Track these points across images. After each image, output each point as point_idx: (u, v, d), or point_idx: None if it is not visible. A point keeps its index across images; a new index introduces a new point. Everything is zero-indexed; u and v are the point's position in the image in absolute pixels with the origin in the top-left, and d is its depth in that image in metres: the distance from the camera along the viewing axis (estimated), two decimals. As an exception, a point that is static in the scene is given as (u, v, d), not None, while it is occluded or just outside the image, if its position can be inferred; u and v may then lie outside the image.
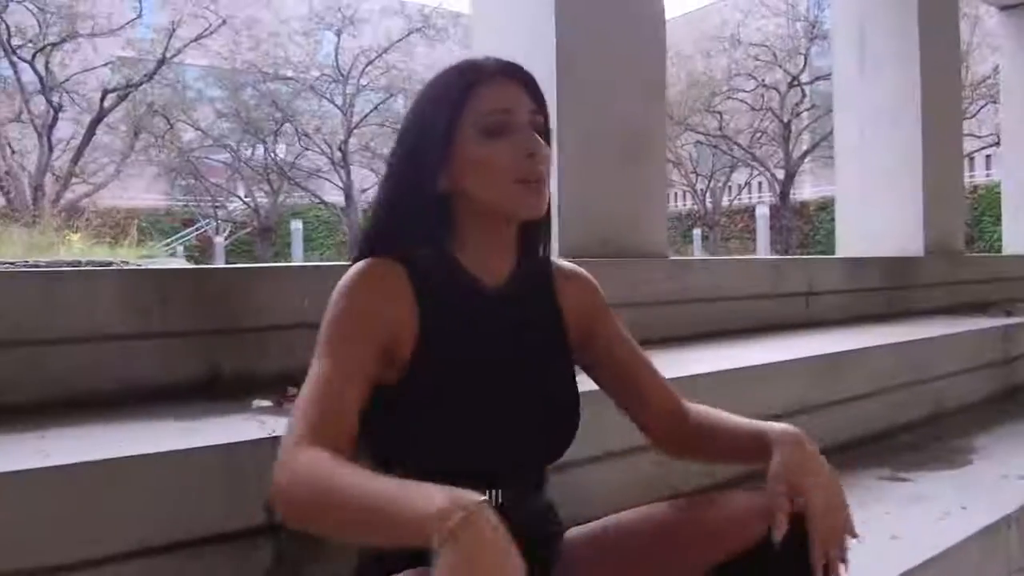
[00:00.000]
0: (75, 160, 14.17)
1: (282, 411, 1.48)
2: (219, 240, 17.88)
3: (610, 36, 3.01)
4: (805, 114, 20.70)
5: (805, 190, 23.81)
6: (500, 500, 1.03)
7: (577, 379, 1.18)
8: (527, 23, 3.02)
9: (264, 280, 1.93)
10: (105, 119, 14.20)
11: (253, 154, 19.43)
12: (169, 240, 17.62)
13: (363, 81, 17.42)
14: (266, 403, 1.56)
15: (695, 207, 24.24)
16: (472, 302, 1.09)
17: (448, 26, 18.20)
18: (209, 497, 1.23)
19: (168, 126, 16.81)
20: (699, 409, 1.23)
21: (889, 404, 2.67)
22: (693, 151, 23.41)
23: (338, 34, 17.42)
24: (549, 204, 1.10)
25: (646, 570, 1.11)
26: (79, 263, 4.42)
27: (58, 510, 1.11)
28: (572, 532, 1.17)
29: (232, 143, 19.16)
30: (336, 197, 19.14)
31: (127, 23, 14.52)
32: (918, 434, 2.67)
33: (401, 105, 18.42)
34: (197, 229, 20.11)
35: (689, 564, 1.09)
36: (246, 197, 20.53)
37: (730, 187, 24.12)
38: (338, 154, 17.82)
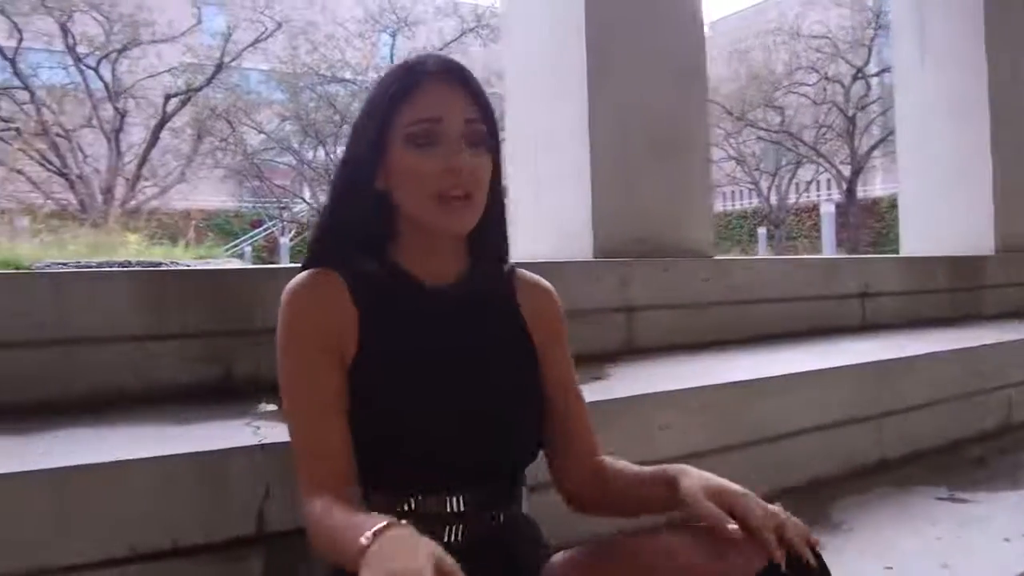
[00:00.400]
0: (141, 163, 14.59)
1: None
2: (284, 241, 18.20)
3: (643, 23, 2.89)
4: (872, 107, 20.04)
5: (876, 186, 23.09)
6: (462, 506, 1.00)
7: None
8: (557, 15, 2.93)
9: (279, 280, 1.89)
10: (169, 123, 14.58)
11: (315, 156, 19.73)
12: (237, 242, 18.02)
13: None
14: (271, 407, 1.52)
15: (761, 205, 23.73)
16: (413, 302, 1.06)
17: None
18: (199, 503, 1.19)
19: (231, 129, 17.17)
20: (614, 464, 1.15)
21: (950, 415, 2.49)
22: (756, 148, 22.93)
23: (393, 36, 17.57)
24: (498, 210, 1.09)
25: None
26: (128, 263, 4.53)
27: (50, 512, 1.10)
28: (558, 556, 1.07)
29: (295, 145, 19.49)
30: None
31: (187, 30, 14.88)
32: (982, 449, 2.47)
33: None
34: (265, 230, 20.54)
35: None
36: (310, 198, 20.86)
37: (797, 184, 23.53)
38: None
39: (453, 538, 1.00)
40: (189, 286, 1.81)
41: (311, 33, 16.84)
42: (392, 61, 17.87)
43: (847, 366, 2.30)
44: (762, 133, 21.28)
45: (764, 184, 22.91)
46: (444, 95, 1.01)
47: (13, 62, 13.63)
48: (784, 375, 2.13)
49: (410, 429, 1.00)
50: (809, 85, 20.63)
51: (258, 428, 1.33)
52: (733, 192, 27.99)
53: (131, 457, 1.16)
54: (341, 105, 17.68)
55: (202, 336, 1.76)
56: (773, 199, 22.75)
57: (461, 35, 17.97)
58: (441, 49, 17.76)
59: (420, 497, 1.00)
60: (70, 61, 14.38)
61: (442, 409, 1.01)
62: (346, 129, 18.20)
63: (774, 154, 22.30)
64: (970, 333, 3.04)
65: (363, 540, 0.78)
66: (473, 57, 17.63)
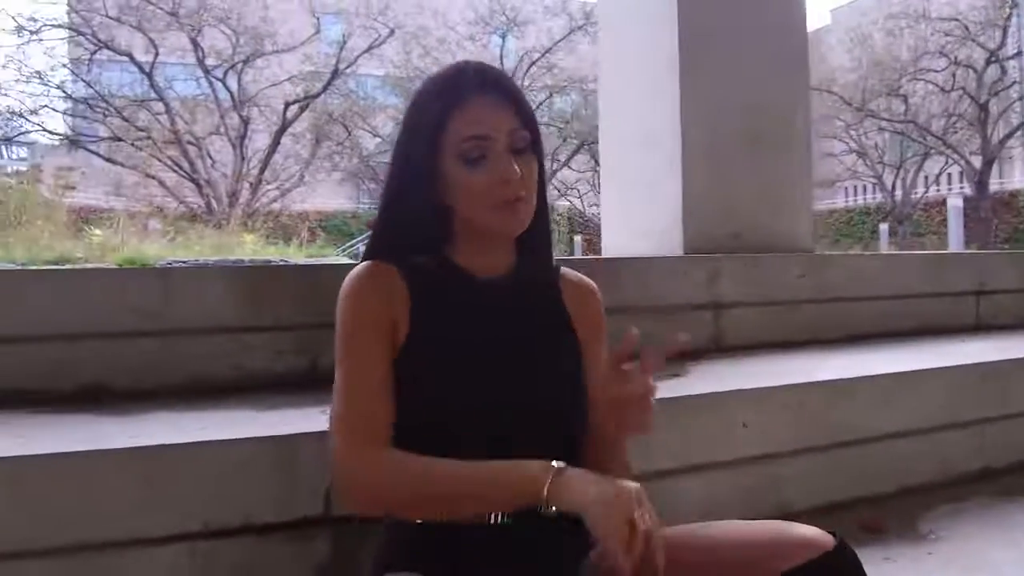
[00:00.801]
0: (263, 168, 15.38)
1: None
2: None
3: (740, 13, 2.83)
4: (1008, 92, 18.70)
5: (1014, 179, 21.57)
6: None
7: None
8: (649, 10, 2.91)
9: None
10: (289, 129, 15.31)
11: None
12: (352, 242, 18.70)
13: (526, 81, 17.67)
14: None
15: (884, 200, 22.59)
16: (464, 291, 1.12)
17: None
18: (270, 484, 1.27)
19: (347, 133, 17.85)
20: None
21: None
22: (879, 140, 21.85)
23: (503, 36, 17.78)
24: (545, 211, 1.15)
25: None
26: (241, 261, 4.82)
27: (133, 487, 1.20)
28: None
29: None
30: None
31: (307, 39, 15.57)
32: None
33: (563, 103, 18.52)
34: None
35: None
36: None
37: (925, 177, 22.28)
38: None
39: (498, 519, 1.02)
40: (285, 282, 1.92)
41: (423, 38, 17.26)
42: (501, 62, 18.13)
43: (948, 367, 2.18)
44: (885, 124, 20.23)
45: (888, 178, 21.77)
46: (489, 111, 1.06)
47: (150, 76, 14.66)
48: (875, 375, 2.04)
49: (457, 417, 1.03)
50: (937, 71, 19.45)
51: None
52: (855, 187, 26.78)
53: (209, 439, 1.25)
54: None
55: (293, 329, 1.85)
56: (898, 193, 21.60)
57: (569, 33, 18.00)
58: (550, 49, 17.87)
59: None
60: (200, 73, 15.33)
61: (490, 398, 1.05)
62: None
63: (898, 146, 21.15)
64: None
65: (549, 471, 0.93)
66: (581, 55, 17.63)
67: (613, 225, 3.27)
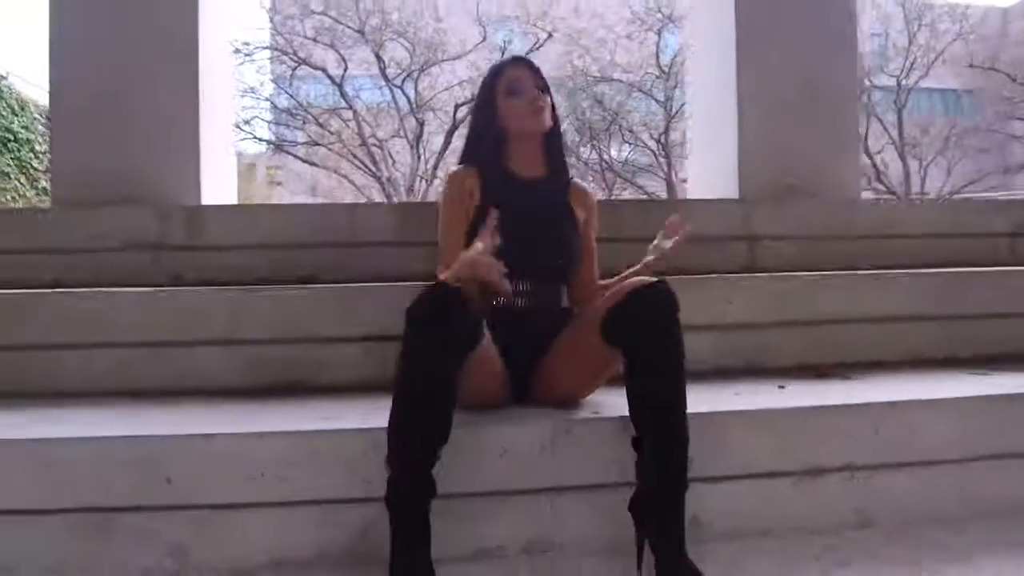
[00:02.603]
0: (436, 165, 16.88)
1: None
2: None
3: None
4: None
5: None
6: (528, 287, 1.88)
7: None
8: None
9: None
10: (458, 130, 16.68)
11: (591, 154, 21.09)
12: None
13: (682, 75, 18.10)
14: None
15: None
16: (510, 182, 2.01)
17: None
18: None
19: (512, 132, 19.10)
20: (604, 280, 2.10)
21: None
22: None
23: (658, 33, 18.27)
24: (556, 130, 2.05)
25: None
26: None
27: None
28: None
29: (571, 144, 21.02)
30: (659, 188, 20.04)
31: (474, 47, 16.95)
32: None
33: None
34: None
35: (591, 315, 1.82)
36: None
37: None
38: (660, 147, 18.67)
39: (522, 303, 1.91)
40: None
41: (581, 39, 18.16)
42: (657, 58, 18.65)
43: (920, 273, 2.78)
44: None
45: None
46: (519, 71, 2.02)
47: (340, 87, 16.58)
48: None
49: (506, 247, 1.81)
50: None
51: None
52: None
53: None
54: (613, 104, 18.80)
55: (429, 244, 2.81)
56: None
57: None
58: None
59: (510, 283, 1.84)
60: (383, 82, 17.09)
61: (516, 243, 1.87)
62: (613, 127, 19.45)
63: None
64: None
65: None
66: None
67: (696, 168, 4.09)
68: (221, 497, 1.72)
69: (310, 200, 17.44)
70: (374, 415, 1.77)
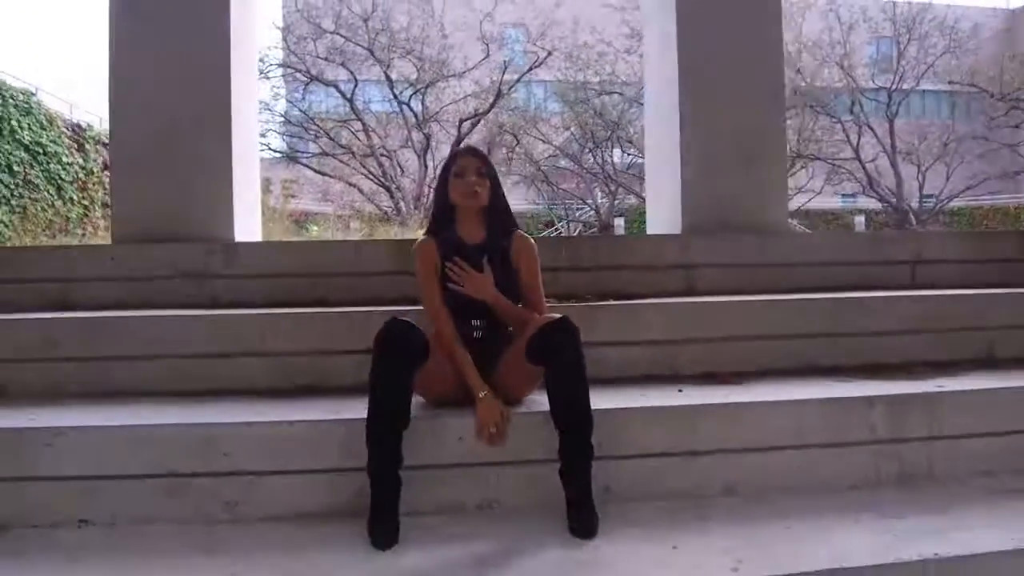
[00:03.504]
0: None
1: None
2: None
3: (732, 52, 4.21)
4: None
5: None
6: (480, 323, 2.59)
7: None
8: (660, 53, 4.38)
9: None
10: (464, 140, 17.43)
11: (594, 161, 21.80)
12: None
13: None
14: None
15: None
16: (461, 248, 2.69)
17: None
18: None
19: (516, 142, 19.86)
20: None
21: None
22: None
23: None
24: (498, 204, 2.71)
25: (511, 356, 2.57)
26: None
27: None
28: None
29: (574, 152, 21.72)
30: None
31: (477, 63, 17.74)
32: None
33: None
34: (555, 230, 23.22)
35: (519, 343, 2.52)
36: (588, 200, 23.22)
37: None
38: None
39: (477, 335, 2.61)
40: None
41: (581, 54, 18.89)
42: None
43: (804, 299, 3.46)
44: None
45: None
46: (467, 159, 2.70)
47: (350, 101, 17.37)
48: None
49: (456, 303, 2.60)
50: None
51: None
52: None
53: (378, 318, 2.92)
54: (614, 115, 19.50)
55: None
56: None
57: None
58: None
59: (467, 321, 2.61)
60: (392, 96, 17.91)
61: (467, 297, 2.61)
62: (615, 136, 20.17)
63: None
64: None
65: (480, 393, 2.46)
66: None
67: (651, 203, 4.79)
68: (260, 467, 2.43)
69: (322, 206, 18.26)
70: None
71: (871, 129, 19.98)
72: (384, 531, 2.22)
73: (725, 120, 4.20)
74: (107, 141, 14.57)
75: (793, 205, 21.70)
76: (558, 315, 2.46)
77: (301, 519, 2.40)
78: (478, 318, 2.64)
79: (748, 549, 2.16)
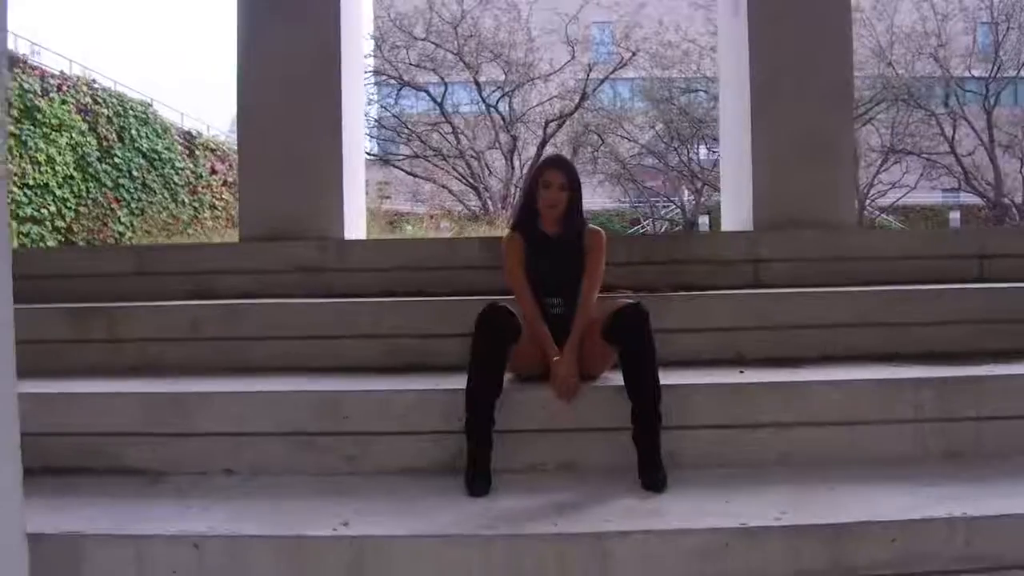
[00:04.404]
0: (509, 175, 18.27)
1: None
2: (652, 236, 20.65)
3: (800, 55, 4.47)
4: None
5: None
6: (558, 301, 3.00)
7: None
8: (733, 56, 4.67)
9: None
10: (550, 141, 17.87)
11: (679, 158, 21.89)
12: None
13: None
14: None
15: None
16: (542, 239, 3.11)
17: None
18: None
19: (601, 141, 20.18)
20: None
21: None
22: None
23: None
24: (575, 208, 3.10)
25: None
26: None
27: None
28: None
29: (660, 150, 21.87)
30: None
31: (562, 65, 18.14)
32: None
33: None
34: (641, 228, 23.45)
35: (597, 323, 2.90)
36: (674, 198, 23.35)
37: None
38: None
39: (557, 311, 3.01)
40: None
41: (667, 51, 19.04)
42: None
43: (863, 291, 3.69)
44: None
45: None
46: (555, 171, 3.09)
47: (440, 105, 18.03)
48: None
49: (535, 283, 3.03)
50: None
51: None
52: None
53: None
54: (699, 112, 19.55)
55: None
56: None
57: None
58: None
59: (546, 299, 3.03)
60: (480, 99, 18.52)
61: (549, 271, 3.05)
62: (700, 133, 20.20)
63: None
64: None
65: (555, 356, 2.92)
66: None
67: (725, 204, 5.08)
68: (375, 428, 2.89)
69: (414, 206, 19.03)
70: (464, 382, 2.89)
71: (967, 121, 19.33)
72: (478, 481, 2.64)
73: (792, 120, 4.46)
74: (214, 148, 15.77)
75: (887, 201, 21.31)
76: (632, 300, 2.83)
77: (410, 472, 2.85)
78: (557, 296, 3.06)
79: (792, 504, 2.48)
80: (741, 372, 3.22)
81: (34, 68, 11.69)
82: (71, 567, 2.29)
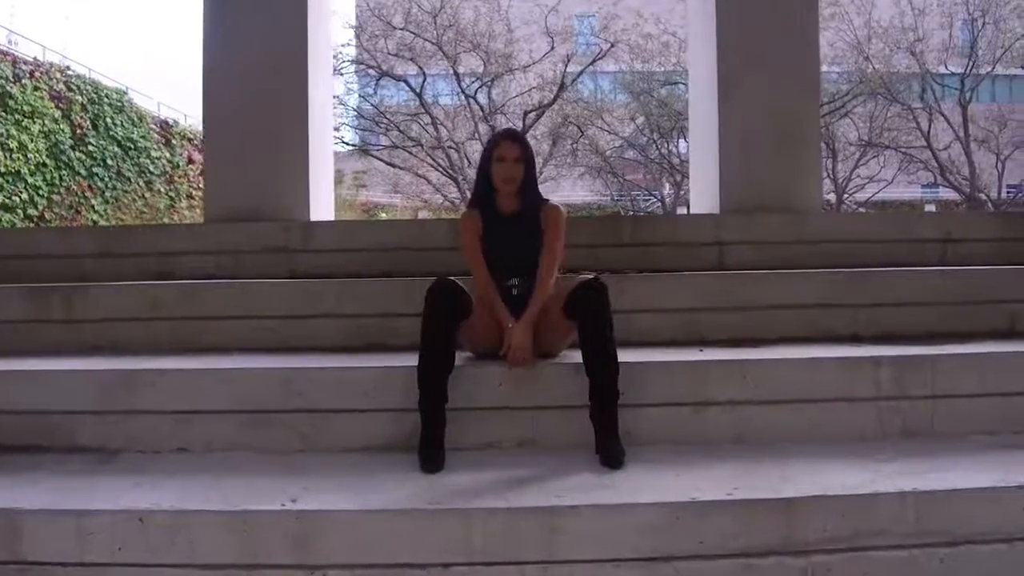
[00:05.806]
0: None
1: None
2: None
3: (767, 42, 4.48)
4: None
5: None
6: (516, 281, 2.97)
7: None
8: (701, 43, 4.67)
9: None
10: (529, 132, 17.82)
11: (660, 151, 21.91)
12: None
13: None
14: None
15: None
16: (500, 218, 3.08)
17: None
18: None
19: (580, 133, 20.15)
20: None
21: None
22: None
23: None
24: (530, 183, 3.07)
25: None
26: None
27: None
28: None
29: (640, 143, 21.88)
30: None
31: (542, 57, 18.12)
32: None
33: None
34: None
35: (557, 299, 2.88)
36: (654, 191, 23.37)
37: None
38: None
39: (515, 292, 2.99)
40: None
41: (647, 44, 19.05)
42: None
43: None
44: None
45: None
46: (509, 143, 3.06)
47: (419, 95, 17.95)
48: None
49: (492, 262, 3.00)
50: None
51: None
52: None
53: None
54: (678, 105, 19.56)
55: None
56: None
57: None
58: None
59: (505, 279, 3.00)
60: (459, 88, 18.45)
61: (502, 256, 3.02)
62: (679, 126, 20.23)
63: None
64: None
65: (508, 323, 2.88)
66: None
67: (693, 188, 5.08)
68: (332, 405, 2.86)
69: (392, 198, 18.94)
70: (422, 359, 2.87)
71: (943, 116, 19.51)
72: (431, 457, 2.62)
73: (759, 106, 4.47)
74: (191, 137, 15.62)
75: (864, 195, 21.46)
76: (591, 276, 2.83)
77: (365, 450, 2.83)
78: (516, 276, 3.03)
79: (745, 480, 2.48)
80: (701, 351, 3.22)
81: (6, 54, 11.51)
82: (9, 543, 2.25)
